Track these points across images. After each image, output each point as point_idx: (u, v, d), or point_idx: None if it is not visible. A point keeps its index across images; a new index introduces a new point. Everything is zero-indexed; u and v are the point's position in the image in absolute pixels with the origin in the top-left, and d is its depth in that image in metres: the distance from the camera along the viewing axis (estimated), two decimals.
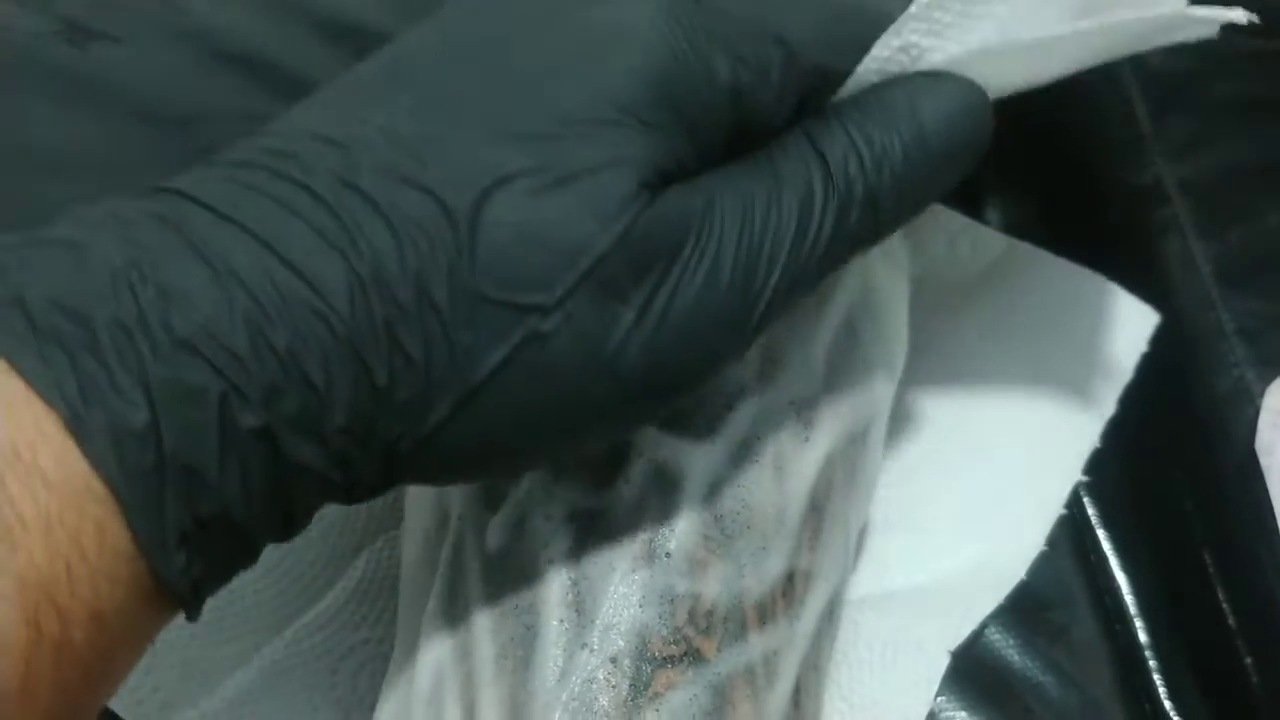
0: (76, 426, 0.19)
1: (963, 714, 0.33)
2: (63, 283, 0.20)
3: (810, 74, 0.25)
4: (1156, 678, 0.37)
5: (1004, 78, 0.26)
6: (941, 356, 0.39)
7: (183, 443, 0.20)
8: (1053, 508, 0.36)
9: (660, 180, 0.23)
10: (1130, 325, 0.39)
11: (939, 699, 0.33)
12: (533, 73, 0.23)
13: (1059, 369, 0.38)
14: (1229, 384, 0.39)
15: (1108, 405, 0.38)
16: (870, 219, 0.25)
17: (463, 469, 0.25)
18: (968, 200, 0.44)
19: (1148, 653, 0.38)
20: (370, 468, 0.22)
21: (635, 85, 0.22)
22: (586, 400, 0.23)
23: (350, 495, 0.23)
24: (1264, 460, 0.36)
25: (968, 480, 0.37)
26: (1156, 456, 0.40)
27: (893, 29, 0.25)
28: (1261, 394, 0.38)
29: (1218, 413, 0.39)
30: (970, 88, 0.26)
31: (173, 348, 0.20)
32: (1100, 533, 0.40)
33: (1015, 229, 0.43)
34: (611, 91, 0.22)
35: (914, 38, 0.25)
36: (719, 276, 0.23)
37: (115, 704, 0.30)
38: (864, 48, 0.25)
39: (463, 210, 0.21)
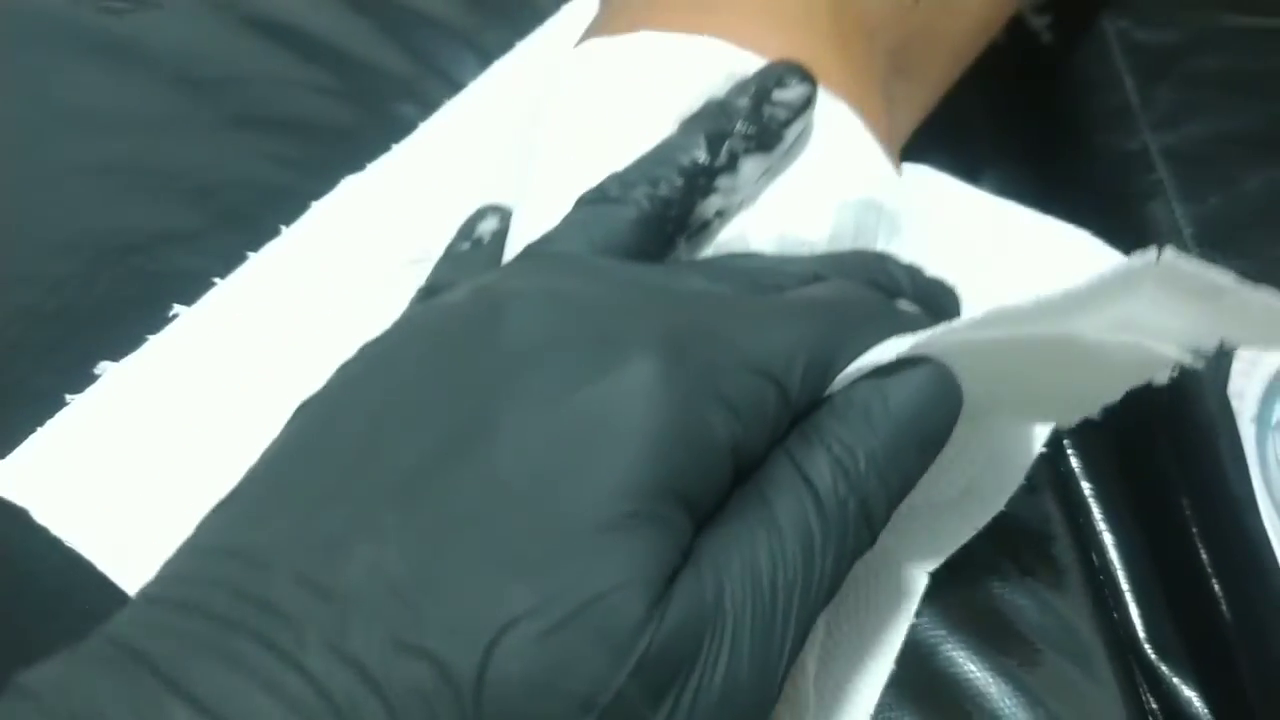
0: None
1: (942, 632, 0.35)
2: None
3: (799, 403, 0.24)
4: (1132, 609, 0.39)
5: (968, 364, 0.25)
6: None
7: None
8: (1034, 446, 0.38)
9: (668, 580, 0.21)
10: None
11: (921, 618, 0.34)
12: (525, 476, 0.21)
13: None
14: None
15: None
16: (865, 529, 0.24)
17: None
18: (964, 166, 0.46)
19: (1124, 586, 0.40)
20: None
21: (637, 479, 0.21)
22: None
23: None
24: (1235, 404, 0.38)
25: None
26: (1137, 407, 0.42)
27: (873, 354, 0.25)
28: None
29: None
30: (936, 369, 0.25)
31: None
32: (1084, 484, 0.42)
33: (1009, 193, 0.45)
34: (613, 492, 0.20)
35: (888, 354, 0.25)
36: (739, 665, 0.21)
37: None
38: (845, 363, 0.25)
39: (466, 674, 0.19)
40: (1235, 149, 0.45)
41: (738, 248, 0.30)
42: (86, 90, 0.44)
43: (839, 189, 0.31)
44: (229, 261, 0.39)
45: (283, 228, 0.40)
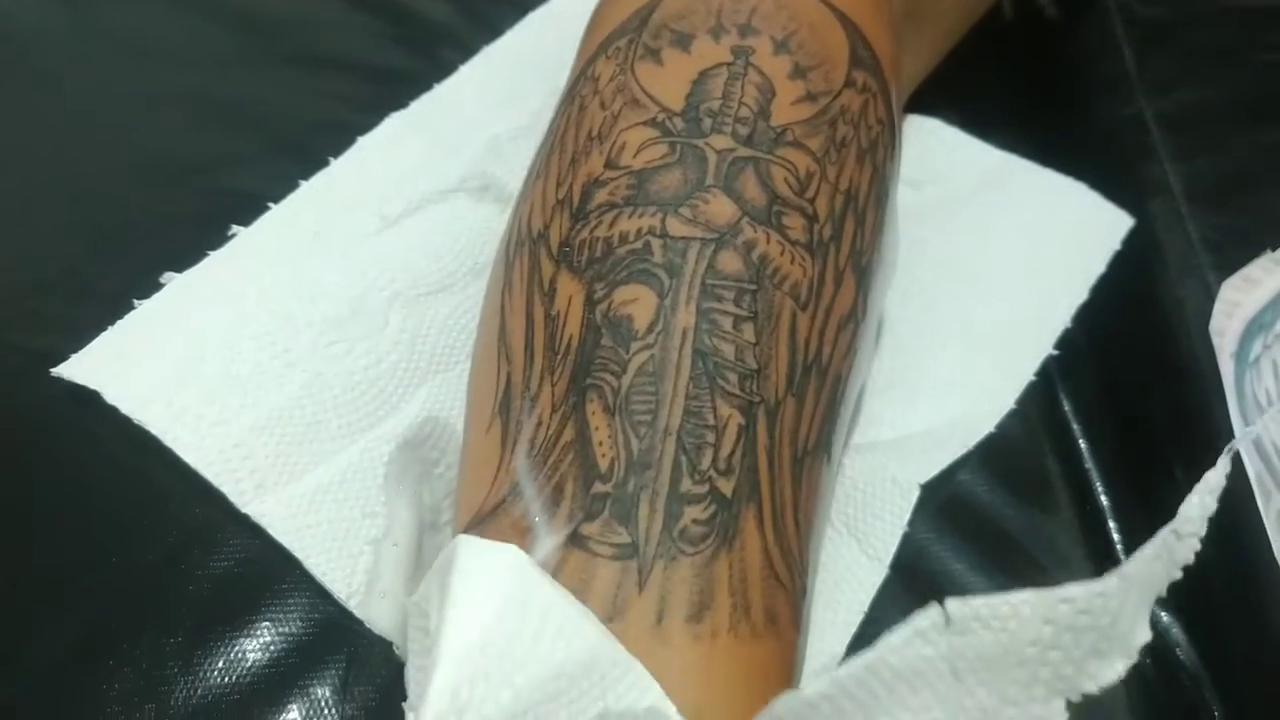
0: None
1: (932, 535, 0.37)
2: None
3: None
4: (1115, 538, 0.42)
5: None
6: (937, 249, 0.43)
7: None
8: (1024, 374, 0.41)
9: None
10: (1105, 225, 0.44)
11: (916, 527, 0.37)
12: None
13: (1038, 259, 0.43)
14: (1194, 285, 0.44)
15: (1079, 291, 0.42)
16: None
17: None
18: (972, 124, 0.49)
19: (1109, 518, 0.42)
20: None
21: None
22: None
23: None
24: (1216, 341, 0.41)
25: (951, 350, 0.41)
26: (1126, 349, 0.45)
27: None
28: None
29: (1183, 309, 0.43)
30: None
31: None
32: (1075, 425, 0.45)
33: (1012, 150, 0.48)
34: None
35: None
36: None
37: (217, 480, 0.35)
38: None
39: None
40: (1223, 114, 0.48)
41: None
42: (155, 28, 0.47)
43: None
44: (281, 185, 0.42)
45: (331, 158, 0.43)
